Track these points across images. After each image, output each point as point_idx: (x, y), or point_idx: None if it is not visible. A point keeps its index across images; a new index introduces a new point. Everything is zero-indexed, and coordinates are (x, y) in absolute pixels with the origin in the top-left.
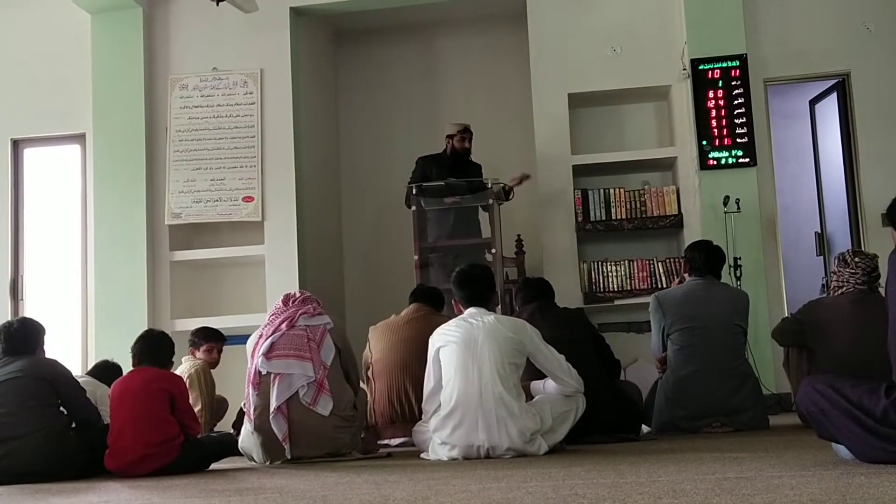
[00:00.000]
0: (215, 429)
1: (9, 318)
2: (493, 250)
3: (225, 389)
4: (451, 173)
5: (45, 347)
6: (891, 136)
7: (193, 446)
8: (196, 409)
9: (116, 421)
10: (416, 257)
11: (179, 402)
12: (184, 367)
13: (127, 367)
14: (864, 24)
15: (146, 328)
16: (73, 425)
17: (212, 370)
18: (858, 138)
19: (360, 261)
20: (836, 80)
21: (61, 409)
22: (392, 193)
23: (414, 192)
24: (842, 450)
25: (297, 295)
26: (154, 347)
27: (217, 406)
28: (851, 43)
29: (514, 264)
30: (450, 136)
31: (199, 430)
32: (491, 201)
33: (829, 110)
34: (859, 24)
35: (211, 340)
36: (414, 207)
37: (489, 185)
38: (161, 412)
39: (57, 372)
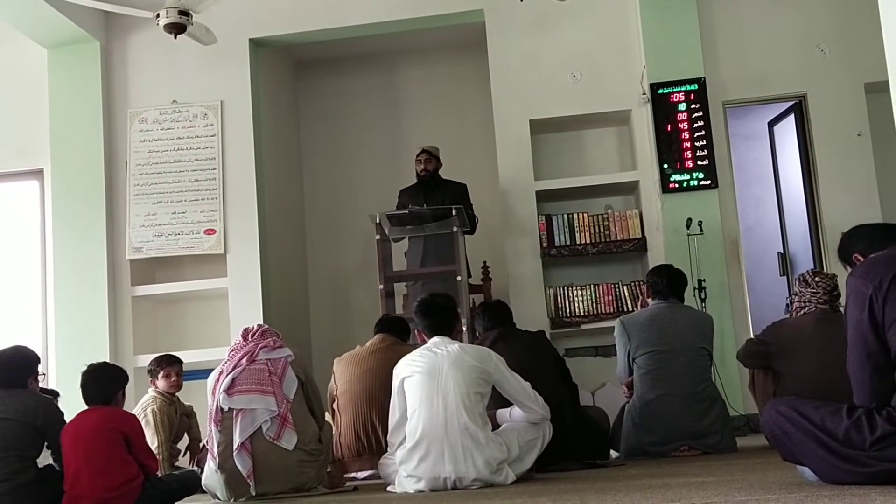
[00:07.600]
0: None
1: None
2: (459, 278)
3: None
4: (426, 199)
5: (38, 377)
6: (848, 155)
7: (154, 486)
8: (153, 447)
9: (71, 466)
10: (381, 286)
11: (135, 441)
12: (140, 404)
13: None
14: (818, 46)
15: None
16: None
17: (177, 393)
18: (817, 158)
19: (326, 292)
20: (793, 102)
21: (35, 460)
22: (356, 223)
23: (377, 220)
24: (806, 472)
25: (255, 328)
26: (98, 381)
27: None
28: (807, 66)
29: (481, 291)
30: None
31: (157, 467)
32: (455, 229)
33: (787, 132)
34: (814, 48)
35: (165, 365)
36: (378, 236)
37: (453, 213)
38: (117, 453)
39: (50, 420)
